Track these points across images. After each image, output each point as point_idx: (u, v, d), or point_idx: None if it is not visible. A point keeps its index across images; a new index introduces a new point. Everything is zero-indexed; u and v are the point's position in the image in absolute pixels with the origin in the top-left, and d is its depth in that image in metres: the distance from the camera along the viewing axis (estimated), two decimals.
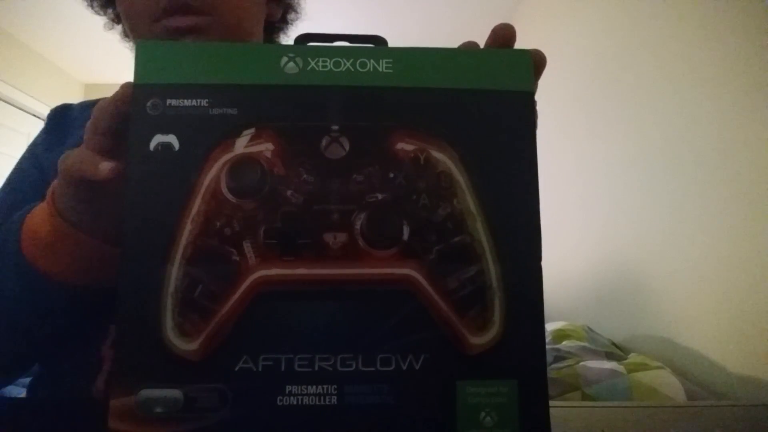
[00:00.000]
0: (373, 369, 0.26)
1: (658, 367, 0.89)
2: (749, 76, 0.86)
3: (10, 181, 0.52)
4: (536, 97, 0.30)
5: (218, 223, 0.26)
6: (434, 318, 0.27)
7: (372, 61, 0.28)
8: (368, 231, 0.27)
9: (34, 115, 2.86)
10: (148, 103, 0.27)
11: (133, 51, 0.29)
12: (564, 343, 1.10)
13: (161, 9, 0.45)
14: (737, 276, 0.87)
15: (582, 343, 1.07)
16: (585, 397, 0.82)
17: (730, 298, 0.89)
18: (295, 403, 0.25)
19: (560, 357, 0.97)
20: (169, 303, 0.26)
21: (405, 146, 0.28)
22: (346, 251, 0.27)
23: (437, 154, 0.28)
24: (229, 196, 0.27)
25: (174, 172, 0.27)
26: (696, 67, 1.00)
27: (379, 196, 0.27)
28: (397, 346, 0.26)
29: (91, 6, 0.58)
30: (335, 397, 0.26)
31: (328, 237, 0.27)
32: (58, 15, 2.40)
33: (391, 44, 0.31)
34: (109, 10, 0.58)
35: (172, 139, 0.27)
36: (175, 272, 0.26)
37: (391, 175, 0.27)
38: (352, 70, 0.28)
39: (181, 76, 0.28)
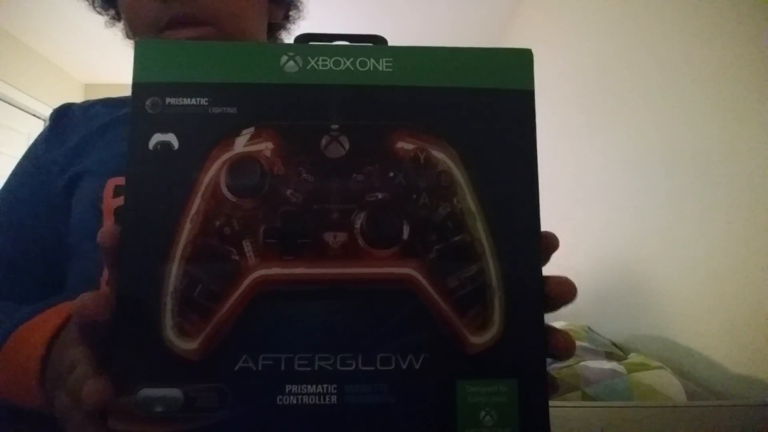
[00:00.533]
0: (372, 368, 0.26)
1: (658, 367, 0.88)
2: (749, 76, 0.86)
3: (8, 182, 0.52)
4: (536, 97, 0.30)
5: (218, 223, 0.26)
6: (434, 317, 0.26)
7: (372, 60, 0.28)
8: (368, 230, 0.27)
9: (34, 115, 2.86)
10: (147, 102, 0.27)
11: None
12: None
13: (165, 21, 0.45)
14: (737, 276, 0.87)
15: (582, 343, 1.07)
16: (585, 397, 0.82)
17: (730, 298, 0.89)
18: (294, 402, 0.25)
19: None
20: (168, 302, 0.25)
21: (405, 145, 0.28)
22: (346, 251, 0.26)
23: (437, 154, 0.28)
24: (229, 195, 0.27)
25: (173, 171, 0.26)
26: (696, 67, 1.00)
27: (379, 196, 0.27)
28: (397, 345, 0.26)
29: (93, 5, 0.58)
30: (335, 397, 0.26)
31: (328, 236, 0.27)
32: (58, 15, 2.39)
33: (391, 44, 0.30)
34: (111, 10, 0.58)
35: (171, 138, 0.27)
36: (174, 271, 0.26)
37: (391, 174, 0.27)
38: (352, 69, 0.28)
39: (181, 75, 0.27)
